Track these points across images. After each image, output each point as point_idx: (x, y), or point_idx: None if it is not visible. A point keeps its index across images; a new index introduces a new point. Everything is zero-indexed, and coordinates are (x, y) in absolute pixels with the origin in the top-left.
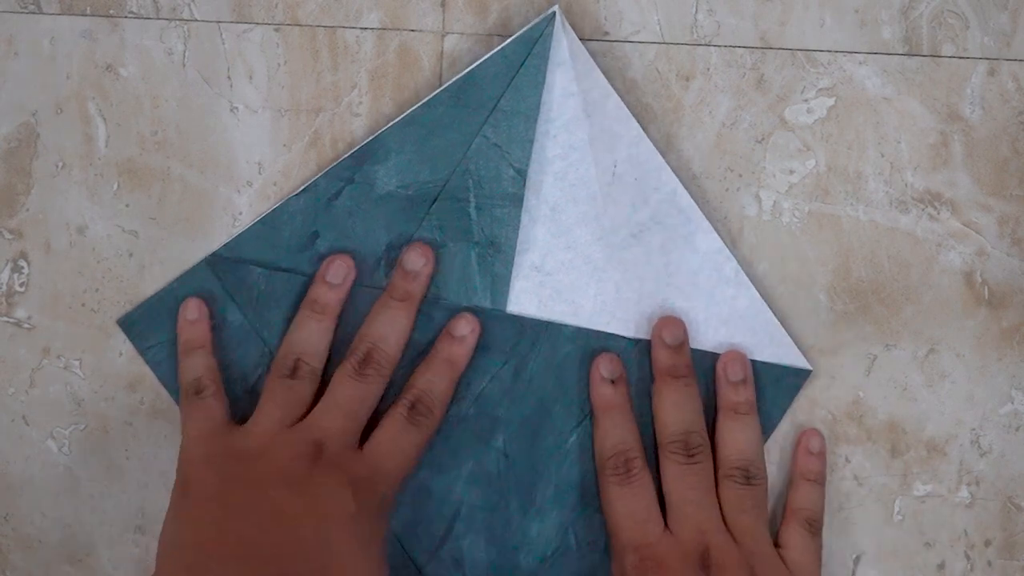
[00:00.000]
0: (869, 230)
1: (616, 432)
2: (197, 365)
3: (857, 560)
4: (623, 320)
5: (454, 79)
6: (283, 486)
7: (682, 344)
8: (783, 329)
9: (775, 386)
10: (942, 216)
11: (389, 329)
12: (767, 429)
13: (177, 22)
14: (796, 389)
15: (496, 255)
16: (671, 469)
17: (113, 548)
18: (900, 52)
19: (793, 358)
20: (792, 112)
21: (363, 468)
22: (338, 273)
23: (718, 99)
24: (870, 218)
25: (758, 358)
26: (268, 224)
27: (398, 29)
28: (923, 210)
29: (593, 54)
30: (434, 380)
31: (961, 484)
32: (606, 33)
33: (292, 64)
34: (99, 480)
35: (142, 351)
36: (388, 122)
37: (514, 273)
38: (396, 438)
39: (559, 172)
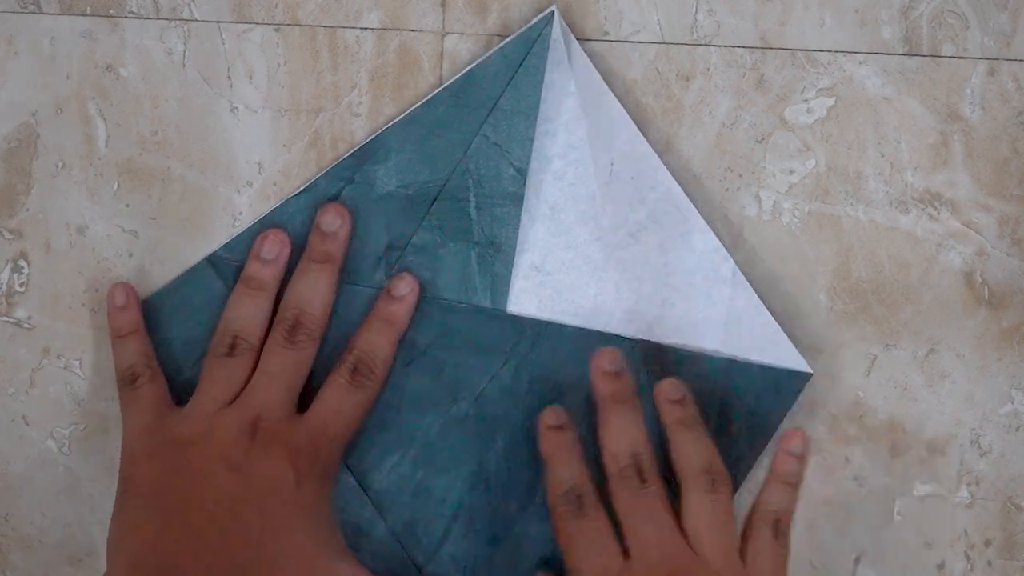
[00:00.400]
0: (869, 230)
1: (566, 474)
2: (129, 352)
3: (857, 560)
4: (623, 320)
5: (454, 79)
6: (223, 470)
7: (622, 370)
8: (782, 331)
9: (774, 390)
10: (942, 216)
11: (312, 293)
12: (766, 435)
13: (177, 22)
14: (796, 393)
15: (496, 255)
16: (625, 497)
17: None
18: (900, 52)
19: (793, 361)
20: (792, 112)
21: (303, 435)
22: (272, 249)
23: (718, 99)
24: (870, 218)
25: (756, 360)
26: (268, 224)
27: (398, 29)
28: (923, 210)
29: (593, 54)
30: (374, 340)
31: (961, 484)
32: (606, 33)
33: (292, 64)
34: (99, 480)
35: None
36: (388, 122)
37: (514, 273)
38: (337, 401)
39: (558, 171)
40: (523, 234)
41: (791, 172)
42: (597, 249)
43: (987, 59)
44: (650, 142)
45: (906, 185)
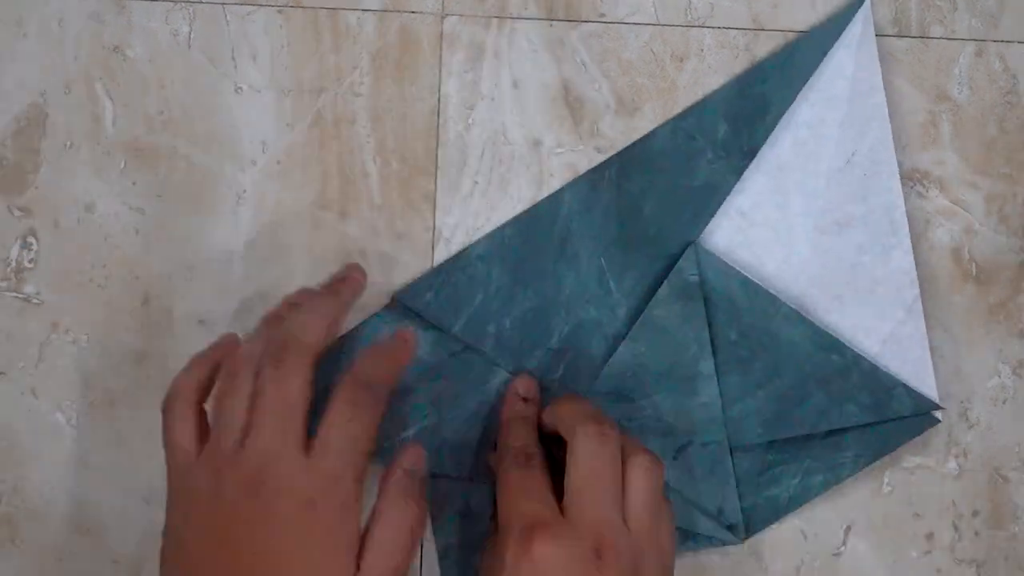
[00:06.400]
0: None
1: (522, 435)
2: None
3: (847, 530)
4: (793, 296)
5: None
6: None
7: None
8: (932, 371)
9: (900, 421)
10: (931, 194)
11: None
12: (871, 457)
13: (183, 4)
14: (917, 431)
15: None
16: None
17: (120, 519)
18: (889, 33)
19: (928, 402)
20: None
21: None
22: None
23: (712, 80)
24: None
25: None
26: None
27: (399, 11)
28: (912, 188)
29: (589, 35)
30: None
31: (949, 456)
32: (602, 15)
33: (295, 45)
34: (106, 453)
35: None
36: (388, 102)
37: (721, 209)
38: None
39: (801, 138)
40: (744, 176)
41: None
42: (802, 222)
43: (975, 40)
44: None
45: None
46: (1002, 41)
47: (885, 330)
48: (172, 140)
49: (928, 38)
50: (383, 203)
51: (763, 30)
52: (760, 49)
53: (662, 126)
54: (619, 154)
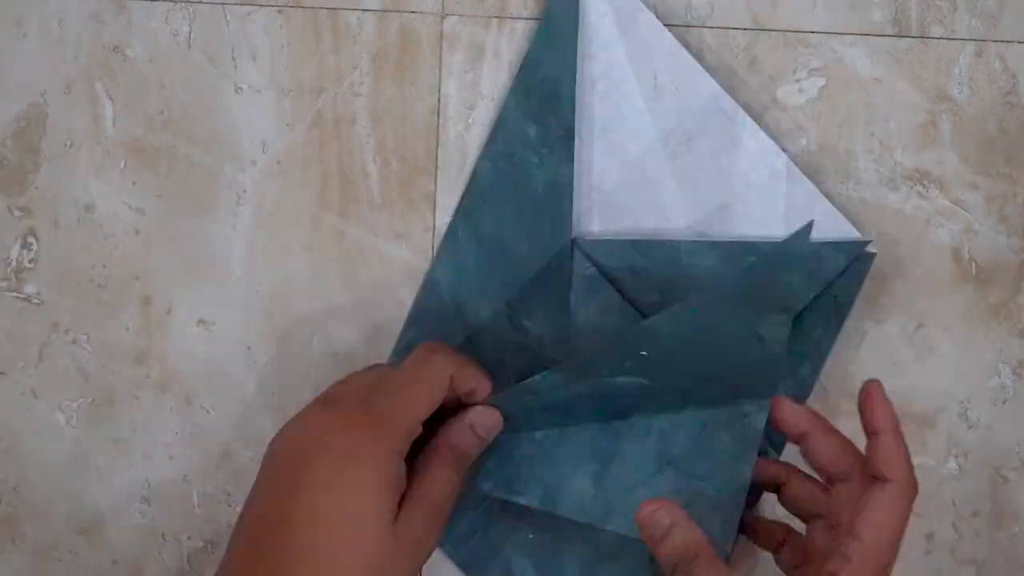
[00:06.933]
0: (859, 207)
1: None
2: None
3: None
4: (684, 229)
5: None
6: None
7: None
8: (842, 215)
9: (841, 276)
10: (931, 194)
11: None
12: (842, 315)
13: (183, 4)
14: (862, 275)
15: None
16: None
17: (120, 518)
18: (890, 33)
19: (854, 243)
20: (784, 92)
21: None
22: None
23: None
24: (860, 196)
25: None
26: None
27: (399, 11)
28: (912, 188)
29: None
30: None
31: (949, 456)
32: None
33: (295, 45)
34: (106, 452)
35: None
36: (388, 102)
37: (575, 195)
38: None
39: (603, 92)
40: (579, 157)
41: (784, 151)
42: (650, 162)
43: (975, 40)
44: (686, 50)
45: (896, 164)
46: (1002, 41)
47: (779, 209)
48: (172, 140)
49: (928, 38)
50: (383, 203)
51: (763, 30)
52: (760, 49)
53: (479, 163)
54: (458, 208)
